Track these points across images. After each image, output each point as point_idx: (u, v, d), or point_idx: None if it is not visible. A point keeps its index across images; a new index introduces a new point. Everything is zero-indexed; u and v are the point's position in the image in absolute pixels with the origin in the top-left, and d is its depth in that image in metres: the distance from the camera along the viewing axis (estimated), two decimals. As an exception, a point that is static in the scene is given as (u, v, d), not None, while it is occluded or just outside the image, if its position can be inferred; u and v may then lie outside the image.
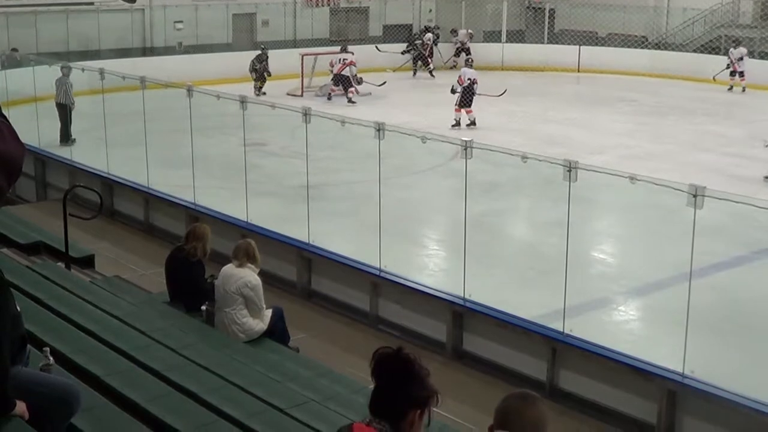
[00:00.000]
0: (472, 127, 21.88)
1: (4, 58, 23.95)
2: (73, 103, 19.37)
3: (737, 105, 25.49)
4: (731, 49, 28.42)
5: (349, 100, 25.56)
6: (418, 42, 32.18)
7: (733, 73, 28.11)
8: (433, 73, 31.40)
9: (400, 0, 35.22)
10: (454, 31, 33.56)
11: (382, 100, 26.29)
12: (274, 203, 14.55)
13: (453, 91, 22.60)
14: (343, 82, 26.23)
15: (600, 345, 9.13)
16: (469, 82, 22.19)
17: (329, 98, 26.50)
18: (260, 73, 27.21)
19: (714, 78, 27.80)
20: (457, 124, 22.08)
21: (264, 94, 25.84)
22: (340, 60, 26.35)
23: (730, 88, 28.10)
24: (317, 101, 24.97)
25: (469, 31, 33.39)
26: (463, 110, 22.19)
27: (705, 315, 9.73)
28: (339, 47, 27.82)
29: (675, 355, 8.51)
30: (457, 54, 32.49)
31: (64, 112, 19.39)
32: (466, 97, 22.17)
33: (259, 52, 27.58)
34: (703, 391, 8.28)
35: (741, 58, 27.84)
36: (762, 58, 29.87)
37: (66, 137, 19.11)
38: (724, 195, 8.81)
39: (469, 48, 32.20)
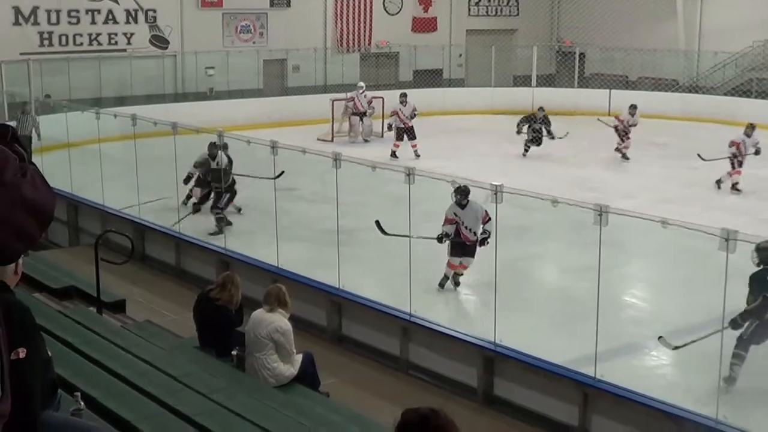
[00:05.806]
0: None
1: (38, 105, 24.28)
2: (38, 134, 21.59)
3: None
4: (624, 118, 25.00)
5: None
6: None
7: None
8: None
9: (430, 45, 35.34)
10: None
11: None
12: (305, 248, 14.56)
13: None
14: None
15: (632, 390, 9.06)
16: None
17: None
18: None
19: (599, 119, 26.08)
20: None
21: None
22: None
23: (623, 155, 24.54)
24: (348, 145, 24.74)
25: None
26: None
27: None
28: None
29: (708, 400, 8.42)
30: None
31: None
32: None
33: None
34: (738, 438, 8.19)
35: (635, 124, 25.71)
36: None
37: None
38: (757, 239, 8.75)
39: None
